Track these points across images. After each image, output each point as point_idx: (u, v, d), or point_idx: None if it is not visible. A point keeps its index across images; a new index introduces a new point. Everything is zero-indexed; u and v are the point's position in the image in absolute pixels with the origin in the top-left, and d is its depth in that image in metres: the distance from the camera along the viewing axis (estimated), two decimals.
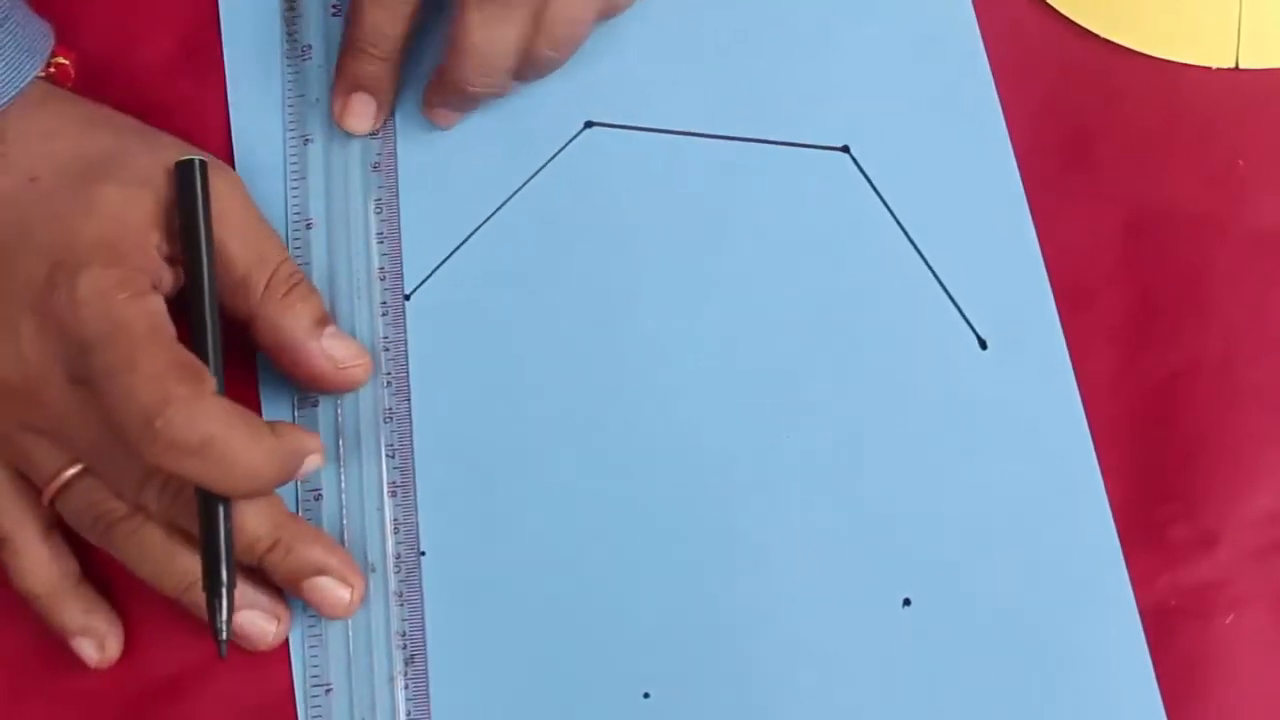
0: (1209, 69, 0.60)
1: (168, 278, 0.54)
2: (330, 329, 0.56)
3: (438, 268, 0.59)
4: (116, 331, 0.50)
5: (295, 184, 0.59)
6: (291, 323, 0.55)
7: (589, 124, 0.60)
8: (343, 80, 0.58)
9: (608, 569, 0.56)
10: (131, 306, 0.51)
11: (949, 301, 0.58)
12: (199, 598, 0.52)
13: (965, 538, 0.56)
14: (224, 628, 0.52)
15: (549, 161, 0.60)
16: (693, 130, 0.60)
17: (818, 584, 0.56)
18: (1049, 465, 0.56)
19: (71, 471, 0.53)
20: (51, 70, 0.57)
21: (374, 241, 0.59)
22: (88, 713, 0.55)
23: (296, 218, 0.59)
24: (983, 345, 0.58)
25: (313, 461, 0.54)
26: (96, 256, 0.52)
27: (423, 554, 0.56)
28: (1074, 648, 0.55)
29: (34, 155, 0.54)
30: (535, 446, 0.57)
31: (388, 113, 0.59)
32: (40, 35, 0.55)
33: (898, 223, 0.59)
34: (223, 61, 0.61)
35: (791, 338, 0.58)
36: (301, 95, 0.60)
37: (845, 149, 0.59)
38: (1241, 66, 0.59)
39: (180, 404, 0.50)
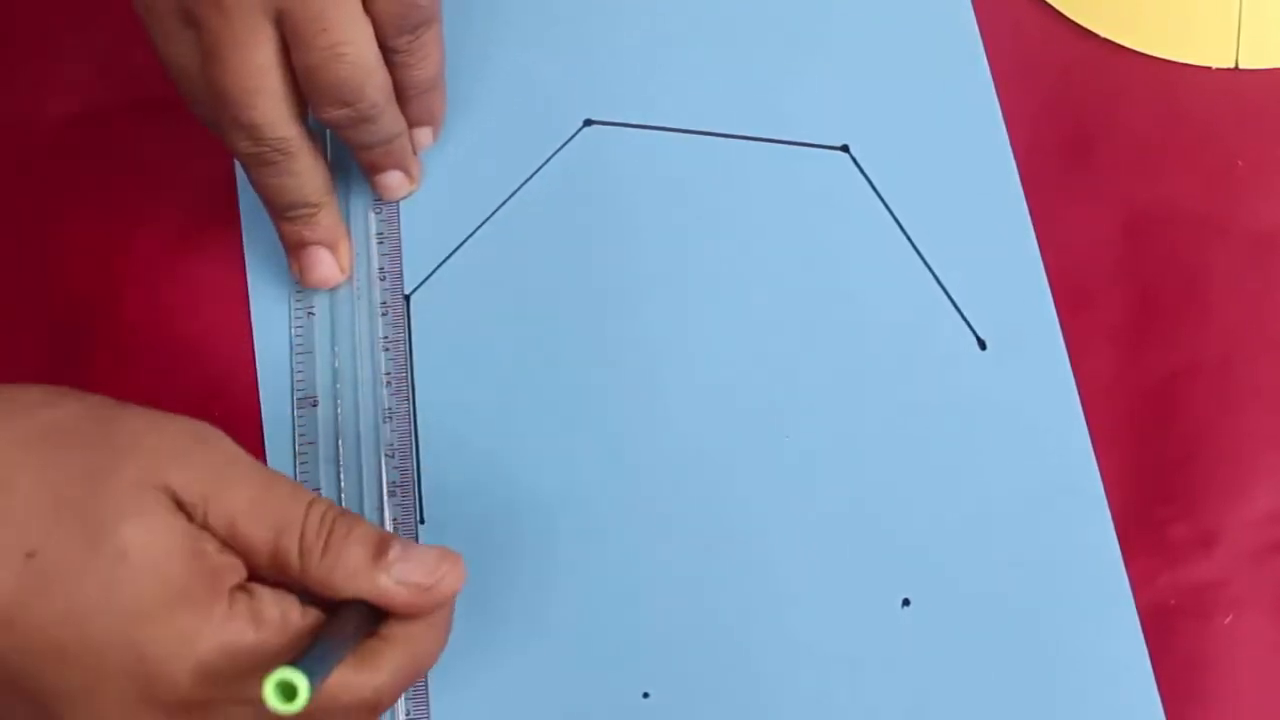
0: (1209, 69, 0.60)
1: (239, 573, 0.46)
2: (395, 552, 0.47)
3: (438, 268, 0.59)
4: (275, 646, 0.45)
5: None
6: (345, 577, 0.47)
7: (588, 122, 0.60)
8: (288, 243, 0.58)
9: (609, 568, 0.56)
10: (261, 640, 0.45)
11: (948, 302, 0.58)
12: None
13: (965, 538, 0.56)
14: None
15: (549, 160, 0.60)
16: (692, 129, 0.60)
17: (817, 584, 0.56)
18: (1048, 465, 0.56)
19: None
20: None
21: (374, 241, 0.59)
22: None
23: None
24: (982, 346, 0.58)
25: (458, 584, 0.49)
26: (189, 620, 0.44)
27: None
28: (1073, 648, 0.55)
29: (7, 523, 0.44)
30: (536, 446, 0.57)
31: (350, 250, 0.58)
32: None
33: (897, 223, 0.59)
34: None
35: (791, 337, 0.58)
36: None
37: (845, 149, 0.59)
38: (1241, 67, 0.59)
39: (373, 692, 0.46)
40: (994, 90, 0.59)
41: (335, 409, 0.58)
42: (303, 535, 0.47)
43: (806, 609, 0.55)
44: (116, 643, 0.44)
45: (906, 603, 0.55)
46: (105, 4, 0.62)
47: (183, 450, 0.46)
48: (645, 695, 0.55)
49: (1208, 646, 0.55)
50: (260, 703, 0.42)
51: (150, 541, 0.44)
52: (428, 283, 0.59)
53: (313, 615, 0.47)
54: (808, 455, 0.57)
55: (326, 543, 0.47)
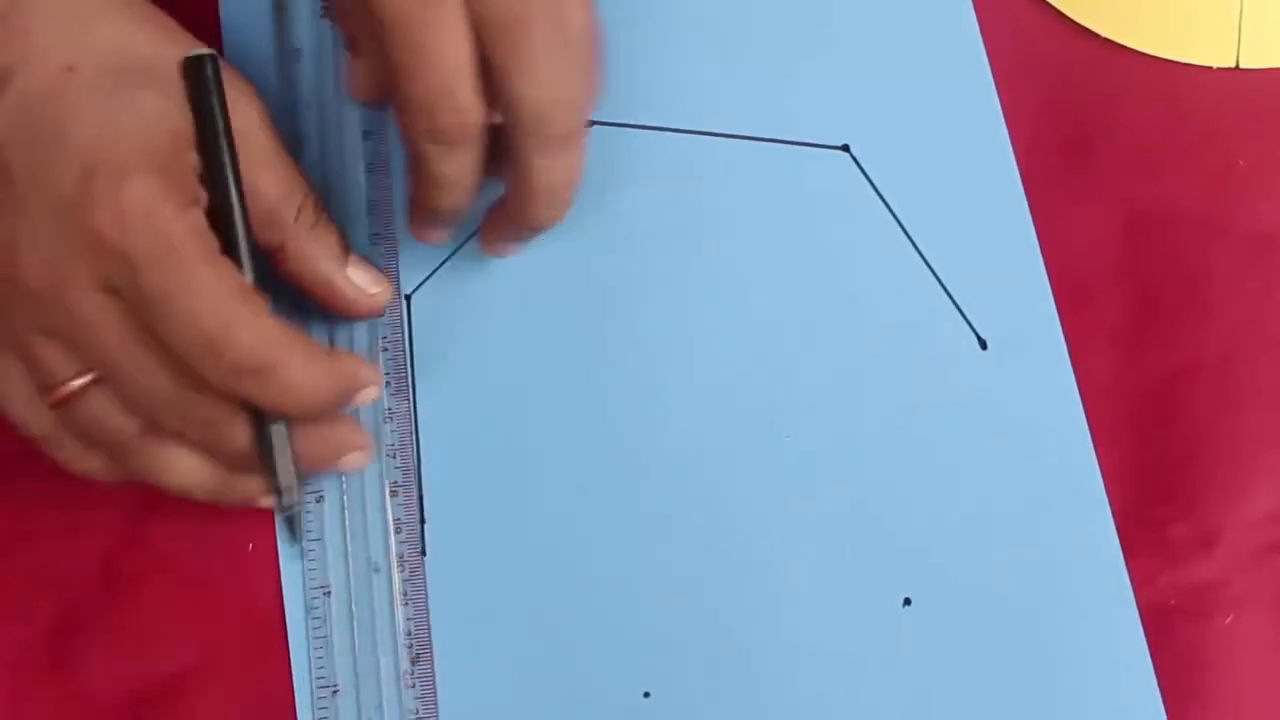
0: (1209, 69, 0.60)
1: (202, 197, 0.51)
2: (354, 257, 0.56)
3: (438, 268, 0.59)
4: (167, 249, 0.49)
5: None
6: (321, 253, 0.54)
7: (588, 122, 0.60)
8: (419, 214, 0.57)
9: (609, 568, 0.56)
10: (180, 222, 0.49)
11: (949, 301, 0.58)
12: (245, 488, 0.53)
13: (965, 538, 0.56)
14: (300, 533, 0.55)
15: None
16: (692, 129, 0.60)
17: (818, 584, 0.56)
18: (1049, 465, 0.56)
19: (83, 380, 0.50)
20: None
21: (373, 242, 0.59)
22: (88, 712, 0.55)
23: None
24: (983, 345, 0.58)
25: (369, 393, 0.53)
26: (140, 164, 0.49)
27: (424, 554, 0.56)
28: (1074, 647, 0.55)
29: (68, 43, 0.50)
30: (536, 446, 0.57)
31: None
32: None
33: (898, 222, 0.59)
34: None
35: (791, 337, 0.58)
36: (293, 99, 0.60)
37: (845, 148, 0.59)
38: (1242, 66, 0.59)
39: (243, 326, 0.49)
40: (994, 90, 0.59)
41: None
42: (302, 205, 0.53)
43: (807, 608, 0.55)
44: (85, 156, 0.49)
45: (907, 602, 0.55)
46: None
47: (243, 89, 0.53)
48: (646, 695, 0.55)
49: (1208, 646, 0.55)
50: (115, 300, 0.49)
51: (161, 115, 0.50)
52: (428, 283, 0.59)
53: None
54: (808, 455, 0.57)
55: (318, 221, 0.54)
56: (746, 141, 0.60)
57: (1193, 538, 0.56)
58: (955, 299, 0.58)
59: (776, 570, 0.56)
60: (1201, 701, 0.54)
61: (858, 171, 0.59)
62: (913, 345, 0.57)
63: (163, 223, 0.49)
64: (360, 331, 0.58)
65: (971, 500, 0.56)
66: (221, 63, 0.52)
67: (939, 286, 0.58)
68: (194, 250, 0.49)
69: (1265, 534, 0.56)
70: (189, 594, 0.56)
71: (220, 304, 0.49)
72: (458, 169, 0.53)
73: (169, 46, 0.52)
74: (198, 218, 0.50)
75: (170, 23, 0.53)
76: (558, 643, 0.56)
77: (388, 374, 0.58)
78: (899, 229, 0.59)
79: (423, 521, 0.57)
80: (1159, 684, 0.54)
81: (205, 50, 0.51)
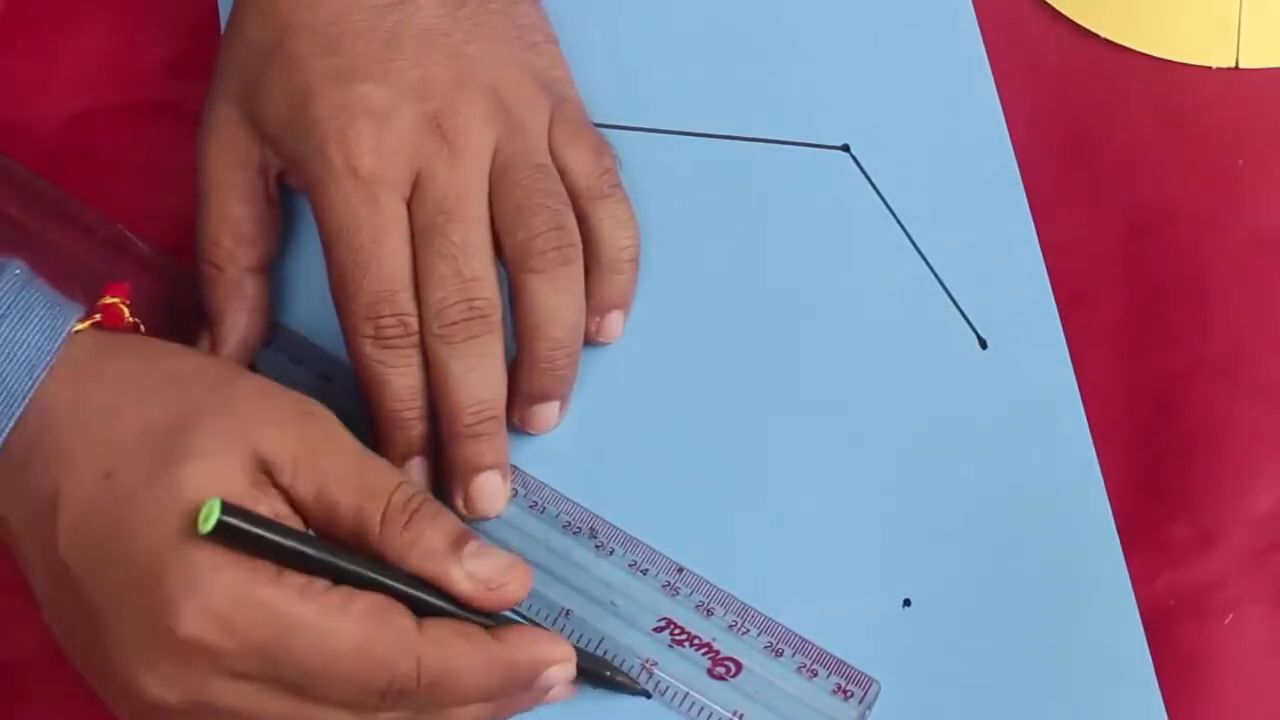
0: (1209, 69, 0.60)
1: (281, 510, 0.48)
2: (471, 547, 0.49)
3: None
4: (283, 630, 0.46)
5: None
6: (421, 554, 0.49)
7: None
8: (463, 469, 0.54)
9: (608, 567, 0.56)
10: (279, 596, 0.46)
11: (949, 301, 0.58)
12: None
13: (966, 538, 0.56)
14: None
15: None
16: (693, 130, 0.60)
17: (819, 584, 0.56)
18: (1050, 465, 0.56)
19: None
20: (97, 318, 0.51)
21: None
22: (88, 713, 0.55)
23: None
24: (983, 345, 0.58)
25: (558, 672, 0.50)
26: (208, 556, 0.46)
27: None
28: (1075, 646, 0.55)
29: (101, 444, 0.48)
30: (536, 444, 0.57)
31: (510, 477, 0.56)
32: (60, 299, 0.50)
33: (898, 222, 0.59)
34: None
35: (791, 337, 0.58)
36: None
37: (846, 148, 0.59)
38: (1242, 66, 0.59)
39: (395, 652, 0.47)
40: (994, 90, 0.60)
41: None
42: (389, 504, 0.49)
43: (808, 609, 0.55)
44: (148, 566, 0.46)
45: (908, 603, 0.55)
46: (105, 4, 0.62)
47: (283, 417, 0.49)
48: (647, 695, 0.55)
49: (1208, 646, 0.55)
50: (260, 681, 0.46)
51: (207, 485, 0.47)
52: None
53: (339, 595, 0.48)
54: (808, 454, 0.57)
55: (411, 518, 0.49)
56: (746, 142, 0.60)
57: (1193, 537, 0.56)
58: (955, 299, 0.58)
59: (777, 569, 0.56)
60: (1202, 700, 0.54)
61: (858, 171, 0.59)
62: (913, 345, 0.57)
63: (266, 602, 0.46)
64: None
65: (972, 500, 0.56)
66: (276, 401, 0.50)
67: (939, 286, 0.58)
68: (313, 613, 0.46)
69: (1265, 534, 0.56)
70: None
71: (363, 648, 0.47)
72: (406, 378, 0.53)
73: (193, 395, 0.49)
74: (292, 579, 0.47)
75: (188, 367, 0.50)
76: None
77: None
78: (899, 229, 0.59)
79: None
80: (1159, 683, 0.54)
81: (213, 511, 0.46)
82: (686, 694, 0.54)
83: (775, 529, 0.56)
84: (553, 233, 0.54)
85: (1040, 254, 0.58)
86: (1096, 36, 0.60)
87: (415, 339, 0.53)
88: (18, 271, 0.50)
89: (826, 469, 0.57)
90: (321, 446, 0.49)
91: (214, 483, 0.47)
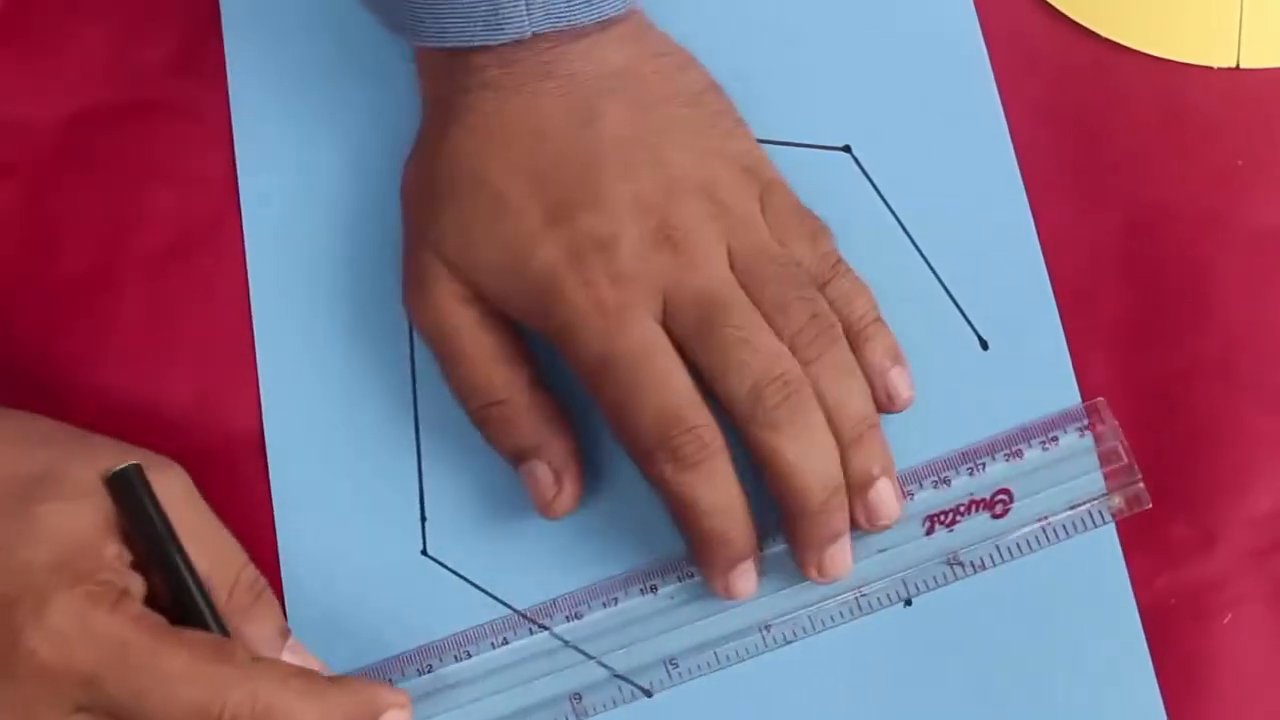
0: (1210, 69, 0.60)
1: (136, 585, 0.50)
2: (291, 642, 0.52)
3: None
4: (120, 649, 0.47)
5: (297, 188, 0.60)
6: (254, 634, 0.51)
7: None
8: (815, 543, 0.54)
9: (610, 565, 0.56)
10: (118, 618, 0.48)
11: (950, 301, 0.58)
12: None
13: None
14: None
15: None
16: None
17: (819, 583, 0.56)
18: None
19: None
20: None
21: None
22: None
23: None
24: (984, 345, 0.58)
25: (395, 716, 0.50)
26: (55, 581, 0.48)
27: (424, 553, 0.56)
28: (1075, 646, 0.55)
29: None
30: None
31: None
32: None
33: (899, 222, 0.59)
34: (224, 60, 0.61)
35: None
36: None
37: (846, 149, 0.59)
38: (1242, 66, 0.59)
39: (228, 686, 0.47)
40: (995, 90, 0.60)
41: None
42: (237, 581, 0.51)
43: (808, 608, 0.55)
44: (2, 592, 0.47)
45: (908, 603, 0.55)
46: (105, 3, 0.62)
47: (150, 462, 0.51)
48: (648, 694, 0.55)
49: (1207, 646, 0.55)
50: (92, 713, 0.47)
51: (67, 521, 0.49)
52: None
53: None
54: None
55: (255, 600, 0.51)
56: None
57: (1192, 537, 0.56)
58: (956, 299, 0.58)
59: (777, 569, 0.56)
60: (1201, 700, 0.54)
61: (859, 172, 0.59)
62: (914, 345, 0.57)
63: (102, 627, 0.47)
64: None
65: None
66: (136, 451, 0.51)
67: (940, 286, 0.58)
68: (147, 638, 0.48)
69: (1265, 533, 0.56)
70: None
71: (197, 674, 0.47)
72: (716, 489, 0.52)
73: (59, 450, 0.51)
74: (133, 606, 0.48)
75: (58, 430, 0.52)
76: (559, 640, 0.56)
77: None
78: (900, 229, 0.59)
79: (424, 519, 0.57)
80: (1159, 682, 0.54)
81: (126, 464, 0.50)
82: None
83: (775, 527, 0.56)
84: (813, 321, 0.53)
85: (1041, 254, 0.58)
86: (1097, 36, 0.60)
87: (717, 449, 0.52)
88: None
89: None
90: (180, 503, 0.51)
91: (73, 520, 0.49)
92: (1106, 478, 0.55)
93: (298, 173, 0.60)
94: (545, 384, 0.55)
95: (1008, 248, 0.58)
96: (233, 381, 0.58)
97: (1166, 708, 0.54)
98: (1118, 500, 0.54)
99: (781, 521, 0.54)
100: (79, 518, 0.49)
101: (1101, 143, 0.59)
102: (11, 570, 0.48)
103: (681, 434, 0.51)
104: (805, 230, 0.56)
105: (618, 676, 0.55)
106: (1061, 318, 0.57)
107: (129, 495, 0.50)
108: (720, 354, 0.52)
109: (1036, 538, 0.55)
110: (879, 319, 0.55)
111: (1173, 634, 0.55)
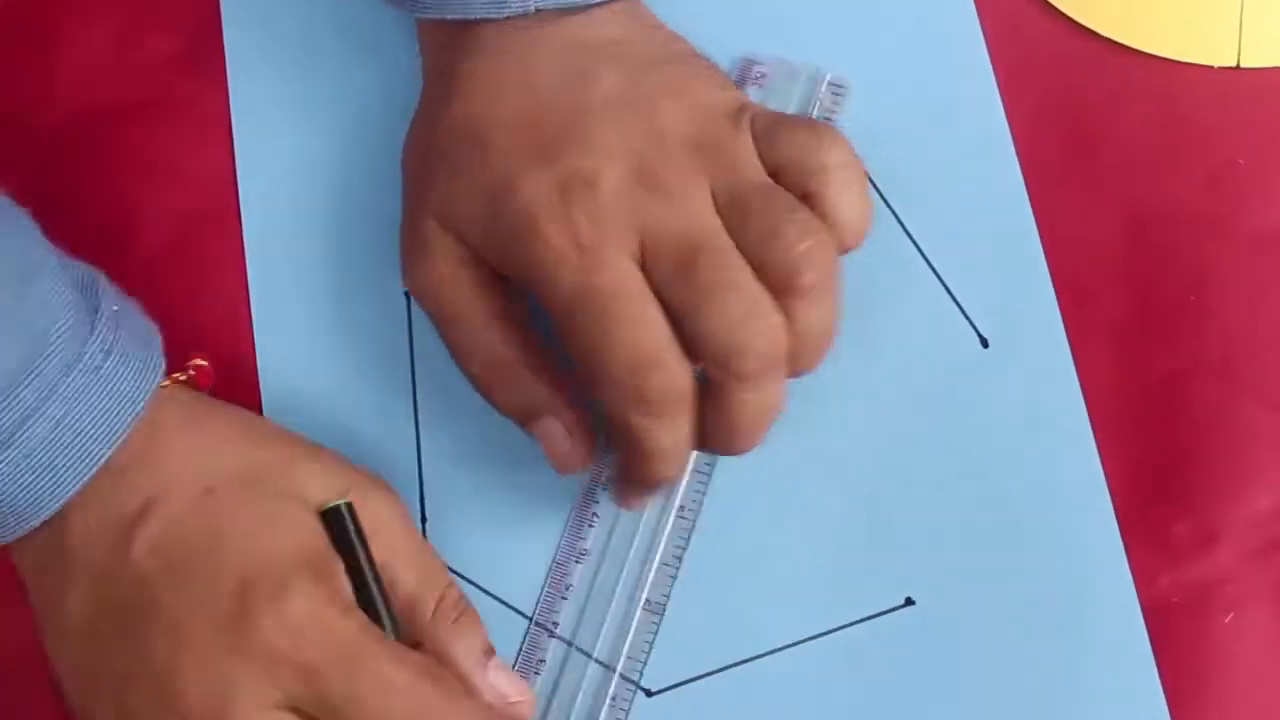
0: (1210, 68, 0.60)
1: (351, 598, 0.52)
2: (494, 661, 0.53)
3: None
4: (348, 652, 0.49)
5: (297, 188, 0.60)
6: (461, 651, 0.52)
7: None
8: (633, 495, 0.55)
9: (608, 567, 0.56)
10: (350, 623, 0.49)
11: (951, 300, 0.58)
12: None
13: (967, 537, 0.56)
14: None
15: None
16: None
17: (821, 583, 0.56)
18: (1051, 464, 0.56)
19: None
20: (191, 374, 0.55)
21: None
22: None
23: None
24: (984, 344, 0.58)
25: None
26: (297, 573, 0.50)
27: None
28: (1077, 645, 0.55)
29: (203, 468, 0.51)
30: (536, 444, 0.57)
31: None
32: (149, 334, 0.53)
33: (899, 222, 0.59)
34: (224, 60, 0.61)
35: None
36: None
37: None
38: (1243, 65, 0.60)
39: (447, 710, 0.49)
40: (995, 89, 0.60)
41: None
42: (442, 598, 0.52)
43: (810, 608, 0.55)
44: (241, 574, 0.49)
45: (910, 602, 0.55)
46: (105, 3, 0.62)
47: (366, 487, 0.53)
48: (648, 694, 0.55)
49: (1209, 644, 0.55)
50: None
51: (299, 516, 0.51)
52: None
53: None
54: (809, 454, 0.57)
55: (460, 617, 0.52)
56: None
57: (1194, 536, 0.56)
58: (957, 297, 0.58)
59: (778, 569, 0.56)
60: (1203, 698, 0.54)
61: None
62: (915, 344, 0.57)
63: (336, 628, 0.49)
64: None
65: (974, 499, 0.56)
66: (358, 471, 0.53)
67: (941, 285, 0.58)
68: (372, 647, 0.49)
69: (1266, 532, 0.56)
70: None
71: (416, 690, 0.49)
72: (675, 438, 0.52)
73: (288, 451, 0.53)
74: (362, 616, 0.50)
75: (283, 433, 0.54)
76: (558, 640, 0.56)
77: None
78: (900, 229, 0.59)
79: (423, 519, 0.57)
80: (1161, 681, 0.54)
81: (339, 501, 0.52)
82: None
83: (776, 527, 0.56)
84: (805, 241, 0.51)
85: (1042, 253, 0.58)
86: (1097, 35, 0.60)
87: (686, 398, 0.51)
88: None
89: (828, 468, 0.57)
90: (394, 523, 0.53)
91: (312, 522, 0.51)
92: None
93: (298, 173, 0.60)
94: (547, 342, 0.55)
95: (1008, 246, 0.58)
96: (233, 381, 0.58)
97: (1169, 706, 0.54)
98: None
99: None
100: (316, 523, 0.51)
101: (1101, 142, 0.59)
102: (254, 554, 0.50)
103: (654, 382, 0.50)
104: (792, 128, 0.54)
105: (619, 676, 0.55)
106: (1062, 316, 0.57)
107: (340, 528, 0.51)
108: (698, 294, 0.50)
109: None
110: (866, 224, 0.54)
111: (1175, 633, 0.55)
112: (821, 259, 0.51)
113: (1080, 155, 0.59)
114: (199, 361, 0.56)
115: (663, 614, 0.56)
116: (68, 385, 0.49)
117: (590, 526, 0.56)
